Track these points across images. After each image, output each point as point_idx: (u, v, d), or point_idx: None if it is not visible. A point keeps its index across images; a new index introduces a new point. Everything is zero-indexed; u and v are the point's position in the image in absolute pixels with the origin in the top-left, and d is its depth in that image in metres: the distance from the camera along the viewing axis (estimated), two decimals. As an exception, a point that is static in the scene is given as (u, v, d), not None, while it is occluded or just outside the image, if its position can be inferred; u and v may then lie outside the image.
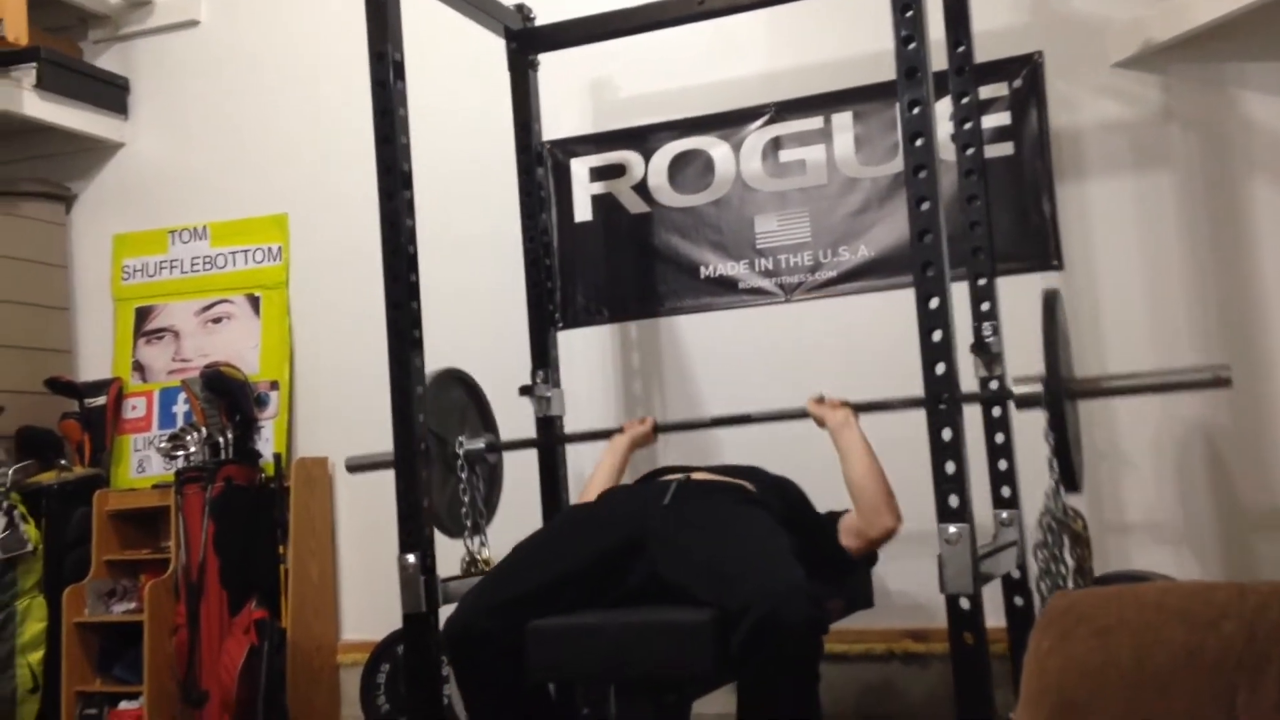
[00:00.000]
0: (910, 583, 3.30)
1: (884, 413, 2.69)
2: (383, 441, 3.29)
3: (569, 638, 2.24)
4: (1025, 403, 2.46)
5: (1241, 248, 3.08)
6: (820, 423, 2.67)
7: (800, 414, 2.74)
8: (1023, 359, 2.73)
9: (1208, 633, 1.04)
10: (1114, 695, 1.03)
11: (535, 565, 2.40)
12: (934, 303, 2.32)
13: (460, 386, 3.08)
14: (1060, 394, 2.37)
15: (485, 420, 3.16)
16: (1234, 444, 3.08)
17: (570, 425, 3.42)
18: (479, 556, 2.91)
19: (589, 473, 3.24)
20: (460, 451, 2.94)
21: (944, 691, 3.28)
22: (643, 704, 2.19)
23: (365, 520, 3.95)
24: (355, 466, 3.11)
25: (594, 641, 2.21)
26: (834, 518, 2.60)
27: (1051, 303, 2.48)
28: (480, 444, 2.98)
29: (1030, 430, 2.62)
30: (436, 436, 2.83)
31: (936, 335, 2.31)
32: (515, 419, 3.29)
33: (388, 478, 3.13)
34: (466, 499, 2.90)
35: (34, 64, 4.00)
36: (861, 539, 2.51)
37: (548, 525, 3.09)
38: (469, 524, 2.90)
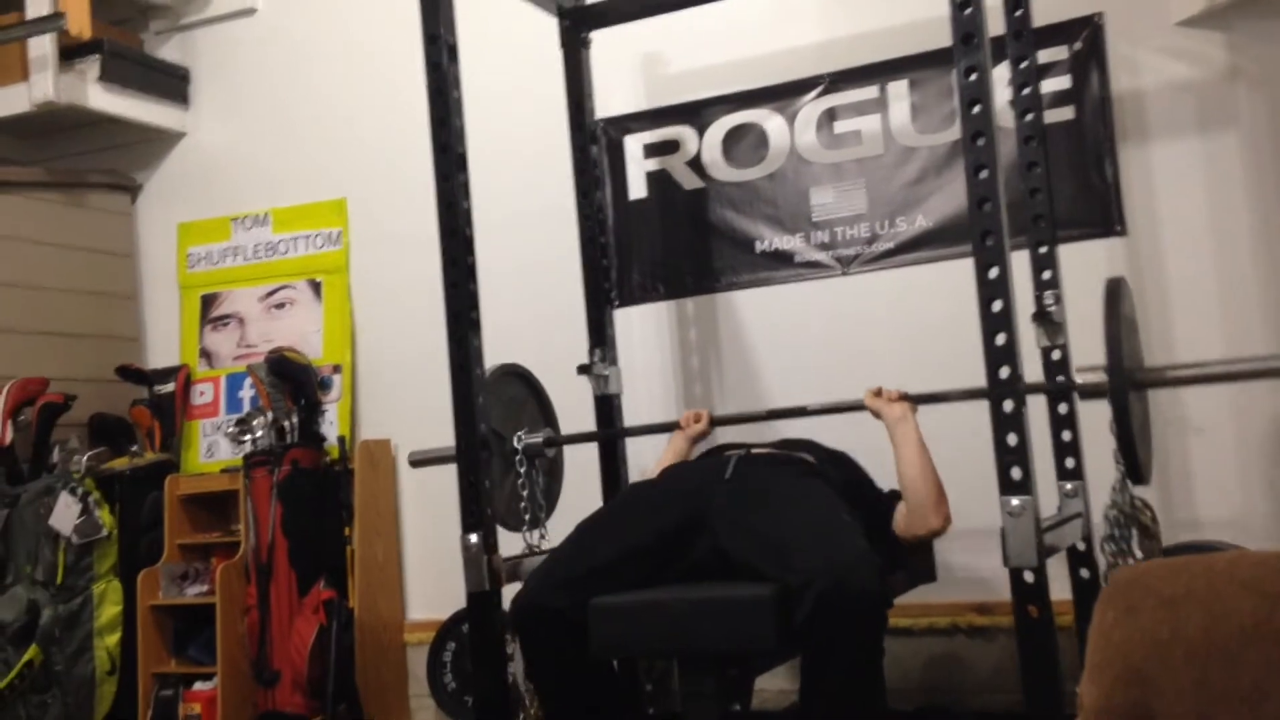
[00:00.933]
0: (974, 556, 3.25)
1: (943, 404, 2.64)
2: (444, 424, 3.30)
3: (631, 614, 2.25)
4: (1089, 393, 2.42)
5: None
6: (877, 415, 2.61)
7: (857, 406, 2.68)
8: (1087, 329, 2.69)
9: (1276, 603, 1.02)
10: (1181, 667, 1.02)
11: (599, 542, 2.42)
12: (993, 272, 2.28)
13: (519, 381, 3.08)
14: (1124, 388, 2.29)
15: (545, 414, 3.16)
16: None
17: (628, 402, 3.42)
18: (538, 549, 2.90)
19: (647, 458, 3.26)
20: (519, 446, 2.94)
21: (1010, 664, 3.24)
22: (706, 679, 2.19)
23: (429, 501, 4.00)
24: (418, 461, 3.13)
25: (656, 618, 2.22)
26: (894, 497, 2.58)
27: (1115, 291, 2.39)
28: (539, 438, 2.98)
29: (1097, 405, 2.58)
30: (495, 433, 2.84)
31: (996, 305, 2.27)
32: (574, 397, 3.30)
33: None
34: (525, 494, 2.89)
35: (97, 56, 4.07)
36: (908, 534, 2.50)
37: (610, 503, 3.10)
38: (528, 518, 2.90)
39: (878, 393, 2.64)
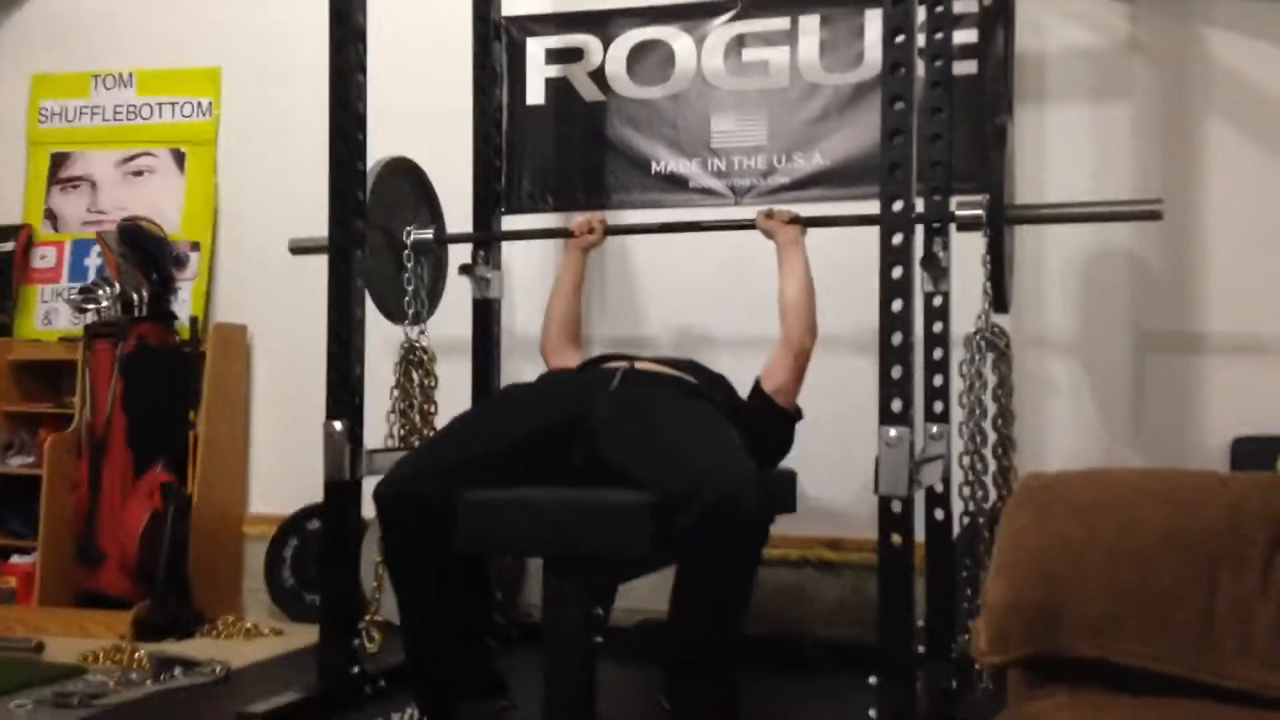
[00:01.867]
0: (828, 490, 3.32)
1: (830, 229, 2.78)
2: (308, 314, 3.19)
3: (504, 510, 2.20)
4: (967, 225, 2.56)
5: (1190, 187, 3.11)
6: (769, 235, 2.70)
7: (749, 225, 2.78)
8: (967, 283, 2.74)
9: (1189, 515, 1.04)
10: (1094, 568, 1.03)
11: (474, 436, 2.36)
12: (897, 205, 2.29)
13: (408, 178, 3.04)
14: (1001, 217, 2.48)
15: (432, 211, 3.14)
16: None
17: (506, 312, 3.35)
18: (418, 344, 2.97)
19: (519, 363, 3.22)
20: (408, 241, 2.96)
21: (853, 600, 3.34)
22: (572, 582, 2.16)
23: (282, 393, 3.85)
24: (299, 249, 3.02)
25: (529, 515, 2.17)
26: (755, 387, 2.61)
27: (1002, 130, 2.61)
28: (428, 234, 3.00)
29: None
30: (383, 230, 2.90)
31: (897, 239, 2.29)
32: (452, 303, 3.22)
33: (307, 349, 3.05)
34: (410, 289, 2.94)
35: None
36: (783, 367, 2.57)
37: (488, 399, 3.05)
38: (410, 312, 2.93)
39: (769, 215, 2.71)
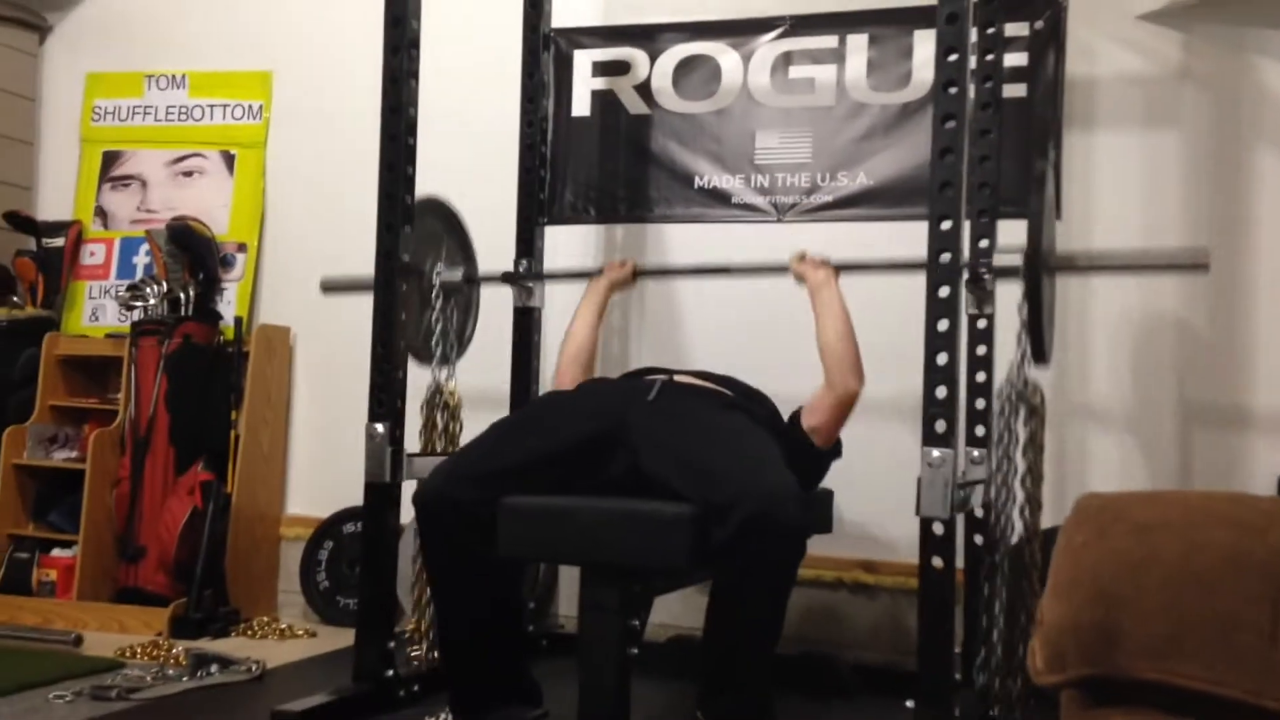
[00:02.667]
0: (865, 512, 3.31)
1: (867, 274, 2.76)
2: (349, 319, 3.22)
3: (544, 517, 2.20)
4: (1004, 273, 2.48)
5: (1239, 221, 3.08)
6: (800, 279, 2.67)
7: (782, 268, 2.73)
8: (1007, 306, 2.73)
9: (1254, 538, 1.02)
10: (1154, 590, 1.02)
11: (513, 443, 2.36)
12: (946, 224, 2.28)
13: (439, 215, 3.01)
14: (1039, 265, 2.38)
15: (464, 251, 3.10)
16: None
17: (547, 322, 3.36)
18: (445, 387, 2.90)
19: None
20: (436, 281, 2.89)
21: (887, 624, 3.31)
22: (610, 591, 2.16)
23: (321, 396, 3.88)
24: (331, 286, 3.05)
25: (569, 523, 2.18)
26: (794, 419, 2.58)
27: (1042, 177, 2.53)
28: (457, 275, 2.94)
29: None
30: (413, 266, 2.84)
31: (945, 257, 2.28)
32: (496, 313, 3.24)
33: (349, 353, 3.07)
34: (439, 329, 2.87)
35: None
36: (823, 408, 2.49)
37: (527, 407, 3.05)
38: (438, 353, 2.87)
39: (801, 257, 2.67)
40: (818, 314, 2.58)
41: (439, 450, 2.87)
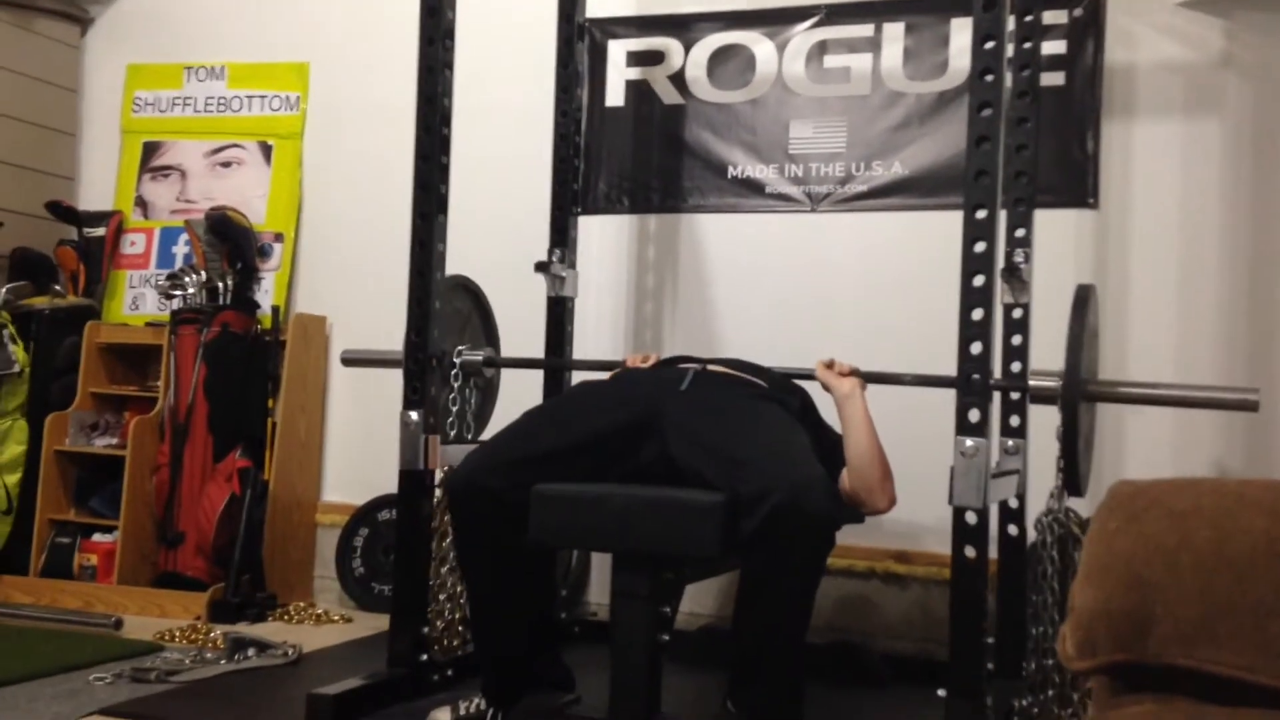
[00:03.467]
0: (901, 504, 3.29)
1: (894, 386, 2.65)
2: (384, 311, 3.24)
3: (576, 505, 2.21)
4: (1040, 398, 2.43)
5: (1280, 209, 3.04)
6: (826, 388, 2.54)
7: (808, 375, 2.62)
8: (1048, 295, 2.71)
9: (1291, 525, 1.02)
10: (1188, 576, 1.01)
11: (546, 430, 2.37)
12: (981, 213, 2.27)
13: (466, 295, 3.01)
14: (1077, 394, 2.30)
15: (487, 332, 3.09)
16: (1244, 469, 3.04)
17: (580, 313, 3.37)
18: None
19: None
20: (457, 361, 2.87)
21: (918, 614, 3.31)
22: (641, 578, 2.16)
23: (357, 385, 3.90)
24: (351, 361, 3.05)
25: (600, 511, 2.18)
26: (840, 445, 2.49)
27: (1083, 299, 2.39)
28: (478, 356, 2.91)
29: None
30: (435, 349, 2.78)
31: (980, 246, 2.27)
32: (525, 304, 3.25)
33: (384, 342, 3.10)
34: (455, 409, 2.83)
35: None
36: (857, 501, 2.39)
37: (559, 396, 3.06)
38: (453, 434, 2.82)
39: (829, 365, 2.56)
40: (844, 426, 2.44)
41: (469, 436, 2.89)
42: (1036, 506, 2.51)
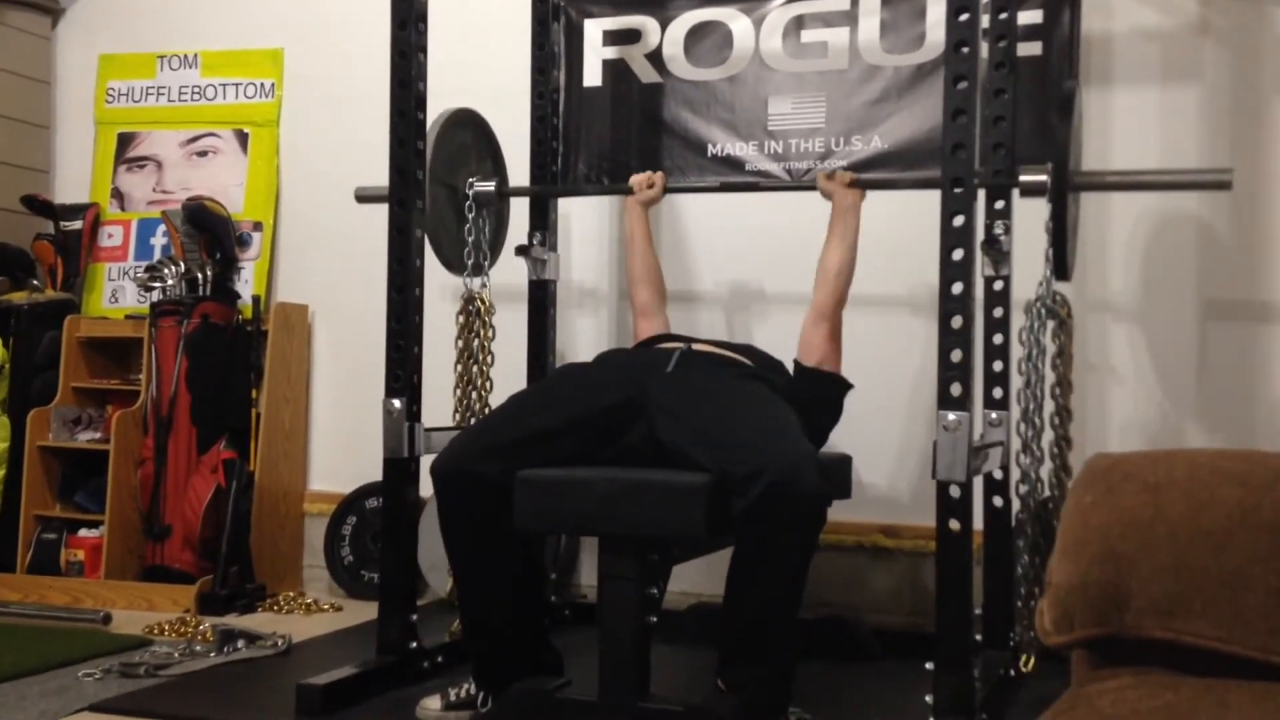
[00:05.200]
0: (884, 477, 3.32)
1: (892, 191, 2.87)
2: (366, 294, 3.23)
3: (560, 489, 2.21)
4: (1030, 191, 2.53)
5: (1261, 176, 3.03)
6: (827, 196, 2.69)
7: (810, 186, 2.76)
8: (1029, 267, 2.71)
9: (1264, 495, 1.02)
10: (1163, 548, 1.01)
11: (531, 415, 2.37)
12: (959, 188, 2.26)
13: (471, 128, 3.06)
14: (1065, 184, 2.42)
15: (495, 162, 3.15)
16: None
17: (562, 295, 3.36)
18: (478, 294, 3.01)
19: (576, 340, 3.23)
20: (469, 192, 2.98)
21: (906, 588, 3.32)
22: (627, 561, 2.17)
23: (341, 373, 3.90)
24: (365, 197, 3.06)
25: (585, 495, 2.18)
26: (797, 366, 2.61)
27: (1070, 96, 2.53)
28: (489, 186, 3.01)
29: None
30: (445, 182, 2.93)
31: (958, 220, 2.26)
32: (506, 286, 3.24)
33: (367, 329, 3.08)
34: (471, 239, 2.97)
35: None
36: (819, 342, 2.56)
37: (545, 379, 3.06)
38: (470, 263, 2.97)
39: (831, 175, 2.69)
40: (832, 234, 2.63)
41: (480, 373, 3.01)
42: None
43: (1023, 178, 2.57)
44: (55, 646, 2.89)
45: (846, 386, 2.62)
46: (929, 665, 2.21)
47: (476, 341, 3.01)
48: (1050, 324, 2.61)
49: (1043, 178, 2.48)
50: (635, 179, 3.02)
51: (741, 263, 3.49)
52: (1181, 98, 3.10)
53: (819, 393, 2.53)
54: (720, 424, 2.21)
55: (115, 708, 2.41)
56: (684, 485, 2.13)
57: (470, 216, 2.98)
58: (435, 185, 2.84)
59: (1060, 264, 2.52)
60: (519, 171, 3.33)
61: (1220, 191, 2.63)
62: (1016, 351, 2.80)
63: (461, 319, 3.03)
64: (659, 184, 2.98)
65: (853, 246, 2.61)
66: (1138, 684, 0.99)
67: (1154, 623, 0.99)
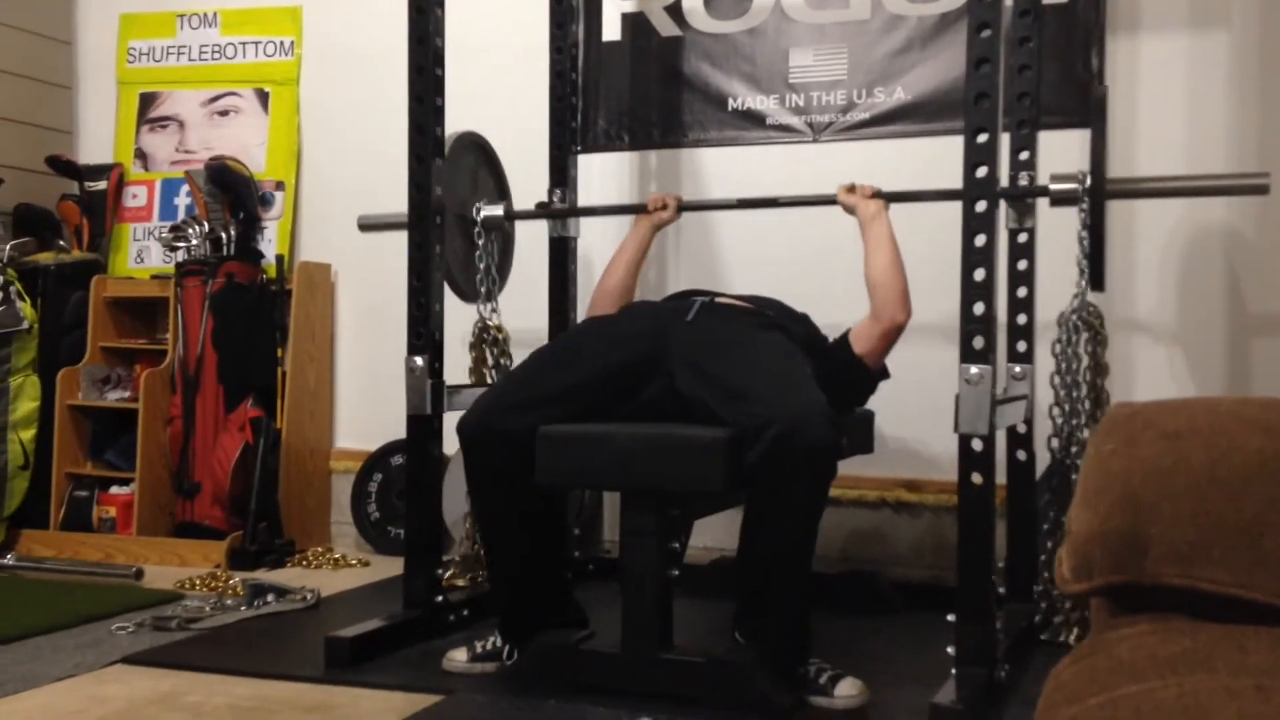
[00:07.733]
0: (907, 431, 3.31)
1: (913, 204, 2.71)
2: (387, 253, 3.24)
3: (581, 445, 2.22)
4: (1062, 200, 2.51)
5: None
6: (850, 211, 2.63)
7: (830, 200, 2.70)
8: (1055, 216, 2.69)
9: (1285, 442, 1.01)
10: (1183, 495, 1.01)
11: (554, 370, 2.38)
12: (983, 137, 2.24)
13: (476, 152, 3.03)
14: (1102, 195, 2.39)
15: (500, 187, 3.12)
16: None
17: (582, 252, 3.36)
18: (490, 322, 2.96)
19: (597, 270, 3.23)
20: (478, 218, 2.93)
21: (929, 542, 3.33)
22: (648, 515, 2.18)
23: (365, 331, 3.92)
24: (368, 226, 3.06)
25: (605, 450, 2.20)
26: (842, 339, 2.57)
27: (1102, 102, 2.50)
28: (498, 210, 2.96)
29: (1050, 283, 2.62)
30: (453, 210, 2.87)
31: (982, 171, 2.24)
32: (528, 240, 3.24)
33: (390, 287, 3.09)
34: (482, 265, 2.92)
35: None
36: (869, 338, 2.50)
37: (566, 334, 3.07)
38: (483, 289, 2.93)
39: (851, 188, 2.64)
40: (868, 248, 2.54)
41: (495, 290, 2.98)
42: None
43: (1053, 186, 2.54)
44: (89, 601, 2.94)
45: (875, 382, 2.61)
46: (950, 617, 2.22)
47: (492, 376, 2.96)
48: (1084, 335, 2.57)
49: (1074, 186, 2.45)
50: (650, 198, 2.95)
51: (761, 224, 3.45)
52: (1210, 44, 3.04)
53: (850, 375, 2.52)
54: (734, 375, 2.22)
55: (148, 660, 2.45)
56: (702, 440, 2.14)
57: (480, 243, 2.93)
58: (436, 208, 2.77)
59: (1097, 275, 2.48)
60: (539, 130, 3.32)
61: (1259, 194, 2.50)
62: (1041, 304, 2.80)
63: (475, 351, 2.97)
64: (672, 206, 2.91)
65: (891, 251, 2.52)
66: (1156, 630, 0.99)
67: (1173, 570, 0.99)
